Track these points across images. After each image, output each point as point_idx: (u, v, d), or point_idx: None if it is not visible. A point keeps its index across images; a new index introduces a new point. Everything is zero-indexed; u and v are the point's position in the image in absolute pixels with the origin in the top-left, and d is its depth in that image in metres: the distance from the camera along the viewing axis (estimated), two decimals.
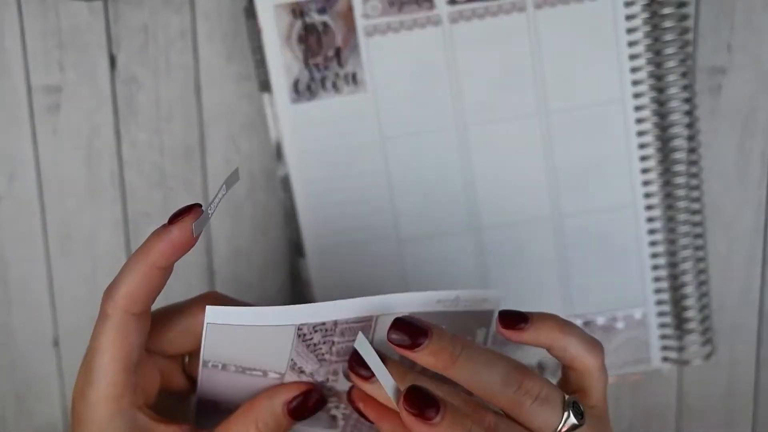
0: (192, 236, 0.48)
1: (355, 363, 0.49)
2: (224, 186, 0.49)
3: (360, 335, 0.46)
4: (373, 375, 0.48)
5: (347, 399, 0.51)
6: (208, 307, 0.48)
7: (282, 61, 0.63)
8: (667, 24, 0.64)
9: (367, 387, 0.49)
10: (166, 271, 0.49)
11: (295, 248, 0.67)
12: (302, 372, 0.51)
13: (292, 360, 0.50)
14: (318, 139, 0.64)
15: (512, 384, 0.47)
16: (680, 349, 0.68)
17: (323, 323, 0.48)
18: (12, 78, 0.66)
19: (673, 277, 0.67)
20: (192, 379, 0.56)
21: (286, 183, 0.65)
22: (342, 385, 0.53)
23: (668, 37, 0.64)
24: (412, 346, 0.46)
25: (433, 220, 0.66)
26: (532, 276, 0.65)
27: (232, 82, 0.66)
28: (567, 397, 0.48)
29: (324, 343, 0.49)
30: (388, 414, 0.50)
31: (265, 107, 0.65)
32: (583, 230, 0.66)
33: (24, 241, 0.68)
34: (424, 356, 0.46)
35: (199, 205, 0.49)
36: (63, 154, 0.67)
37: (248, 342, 0.49)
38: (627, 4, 0.63)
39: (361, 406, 0.51)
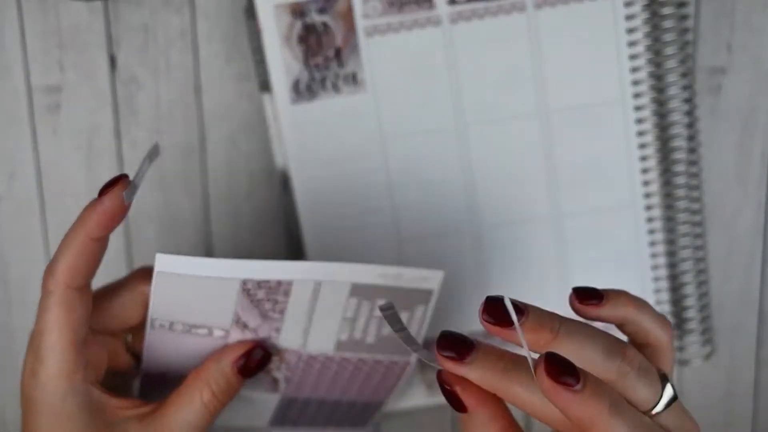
0: (124, 204, 0.50)
1: (445, 345, 0.46)
2: (147, 159, 0.51)
3: (506, 298, 0.43)
4: (466, 357, 0.45)
5: (437, 380, 0.47)
6: (158, 255, 0.49)
7: (282, 61, 0.63)
8: (667, 24, 0.64)
9: (460, 369, 0.45)
10: (102, 242, 0.51)
11: (295, 248, 0.67)
12: (246, 327, 0.52)
13: (236, 314, 0.51)
14: (318, 139, 0.64)
15: (616, 355, 0.45)
16: (680, 349, 0.68)
17: (267, 281, 0.49)
18: (12, 78, 0.66)
19: (673, 277, 0.67)
20: (135, 357, 0.57)
21: (286, 183, 0.65)
22: (284, 342, 0.54)
23: (668, 37, 0.64)
24: (510, 324, 0.44)
25: (433, 220, 0.66)
26: (532, 276, 0.65)
27: (232, 82, 0.66)
28: (660, 371, 0.47)
29: (268, 300, 0.50)
30: (487, 399, 0.46)
31: (265, 107, 0.65)
32: (583, 230, 0.66)
33: (24, 241, 0.68)
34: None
35: (126, 175, 0.50)
36: (63, 154, 0.67)
37: (194, 294, 0.50)
38: (627, 4, 0.63)
39: (458, 389, 0.46)
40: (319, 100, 0.64)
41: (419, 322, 0.56)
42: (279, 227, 0.68)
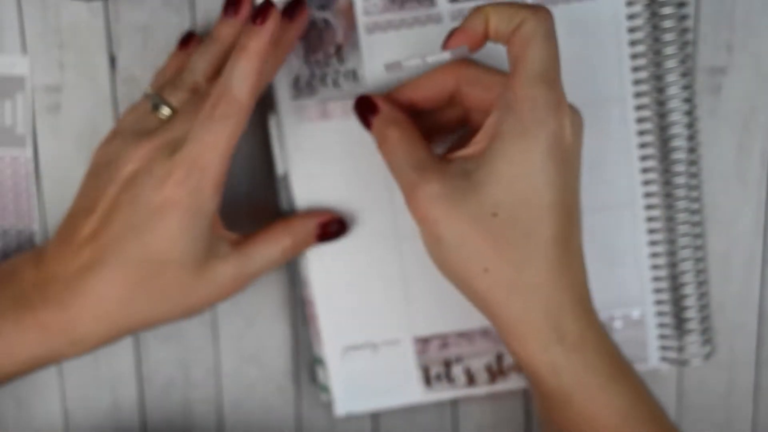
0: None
1: None
2: None
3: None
4: None
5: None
6: None
7: None
8: (667, 24, 0.64)
9: None
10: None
11: None
12: None
13: None
14: (318, 137, 0.64)
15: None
16: (680, 349, 0.68)
17: None
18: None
19: (673, 277, 0.67)
20: None
21: (285, 181, 0.65)
22: None
23: (668, 37, 0.64)
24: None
25: None
26: None
27: None
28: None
29: None
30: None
31: (265, 105, 0.65)
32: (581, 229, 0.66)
33: (25, 242, 0.68)
34: None
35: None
36: (63, 154, 0.67)
37: None
38: (628, 4, 0.63)
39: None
40: (319, 97, 0.64)
41: None
42: None
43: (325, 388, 0.69)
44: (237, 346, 0.70)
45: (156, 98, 0.60)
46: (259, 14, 0.55)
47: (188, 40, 0.64)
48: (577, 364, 0.56)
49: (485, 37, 0.56)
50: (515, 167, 0.54)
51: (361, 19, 0.63)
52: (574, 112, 0.56)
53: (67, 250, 0.59)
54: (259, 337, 0.70)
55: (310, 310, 0.67)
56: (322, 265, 0.66)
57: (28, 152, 0.67)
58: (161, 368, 0.71)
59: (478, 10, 0.55)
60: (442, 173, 0.55)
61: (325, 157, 0.65)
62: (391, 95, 0.62)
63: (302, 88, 0.64)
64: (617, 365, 0.58)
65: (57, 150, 0.67)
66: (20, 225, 0.68)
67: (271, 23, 0.55)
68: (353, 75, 0.64)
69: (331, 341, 0.67)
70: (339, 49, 0.63)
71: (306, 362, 0.70)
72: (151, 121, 0.60)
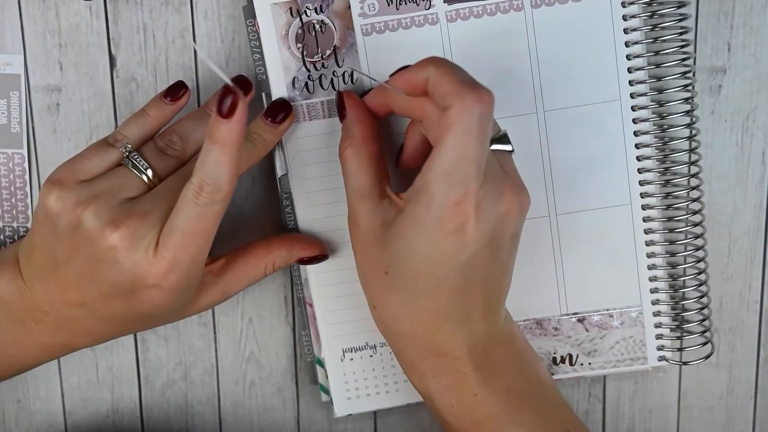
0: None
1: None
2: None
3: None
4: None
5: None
6: None
7: (280, 59, 0.63)
8: (667, 24, 0.64)
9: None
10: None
11: None
12: None
13: None
14: (316, 138, 0.64)
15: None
16: (679, 349, 0.68)
17: None
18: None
19: (672, 277, 0.67)
20: None
21: (285, 182, 0.65)
22: None
23: (668, 37, 0.64)
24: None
25: None
26: (527, 274, 0.65)
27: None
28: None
29: None
30: (359, 105, 0.61)
31: (264, 107, 0.65)
32: (578, 228, 0.66)
33: None
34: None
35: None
36: (63, 154, 0.67)
37: None
38: (625, 4, 0.63)
39: (344, 96, 0.62)
40: (316, 99, 0.64)
41: None
42: (278, 227, 0.68)
43: (325, 389, 0.69)
44: (237, 346, 0.70)
45: (141, 161, 0.59)
46: (227, 107, 0.52)
47: (179, 93, 0.62)
48: (450, 400, 0.60)
49: (422, 92, 0.56)
50: (409, 246, 0.55)
51: (358, 21, 0.63)
52: (500, 202, 0.55)
53: (53, 289, 0.59)
54: (259, 337, 0.70)
55: (311, 310, 0.67)
56: (321, 269, 0.66)
57: (23, 150, 0.67)
58: (161, 368, 0.71)
59: (424, 63, 0.56)
60: (371, 211, 0.58)
61: (323, 157, 0.65)
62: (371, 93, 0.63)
63: (300, 89, 0.64)
64: (504, 405, 0.59)
65: (57, 150, 0.67)
66: (15, 223, 0.68)
67: (240, 113, 0.52)
68: (350, 77, 0.64)
69: (330, 343, 0.67)
70: (336, 51, 0.63)
71: (306, 362, 0.70)
72: (132, 182, 0.59)
